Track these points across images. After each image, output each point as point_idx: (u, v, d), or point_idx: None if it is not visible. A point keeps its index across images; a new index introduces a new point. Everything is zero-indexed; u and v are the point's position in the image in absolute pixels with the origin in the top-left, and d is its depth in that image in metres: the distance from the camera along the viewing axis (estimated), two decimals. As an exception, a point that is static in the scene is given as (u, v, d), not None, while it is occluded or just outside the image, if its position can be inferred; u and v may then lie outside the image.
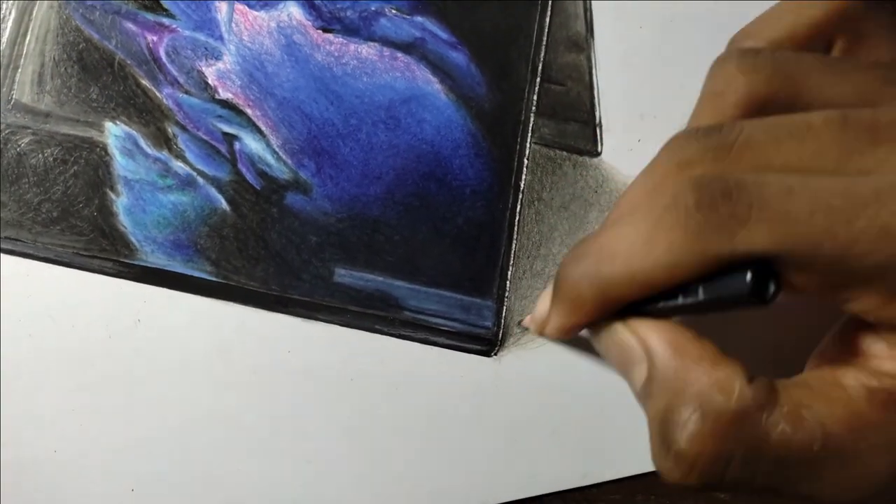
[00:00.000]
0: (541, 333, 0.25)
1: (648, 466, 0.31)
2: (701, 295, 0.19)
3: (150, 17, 0.31)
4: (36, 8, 0.31)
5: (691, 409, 0.19)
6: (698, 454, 0.19)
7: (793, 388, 0.20)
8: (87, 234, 0.30)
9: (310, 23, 0.32)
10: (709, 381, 0.19)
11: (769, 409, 0.19)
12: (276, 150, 0.31)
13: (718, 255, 0.19)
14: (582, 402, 0.31)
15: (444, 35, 0.32)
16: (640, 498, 0.31)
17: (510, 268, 0.31)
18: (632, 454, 0.31)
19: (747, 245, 0.18)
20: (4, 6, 0.31)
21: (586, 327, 0.23)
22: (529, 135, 0.32)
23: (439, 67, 0.32)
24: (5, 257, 0.30)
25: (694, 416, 0.19)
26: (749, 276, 0.18)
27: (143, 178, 0.31)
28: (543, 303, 0.25)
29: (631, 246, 0.20)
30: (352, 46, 0.32)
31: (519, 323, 0.31)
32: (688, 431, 0.19)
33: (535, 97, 0.32)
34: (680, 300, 0.20)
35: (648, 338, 0.21)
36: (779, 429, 0.19)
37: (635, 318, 0.21)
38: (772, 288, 0.18)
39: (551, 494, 0.31)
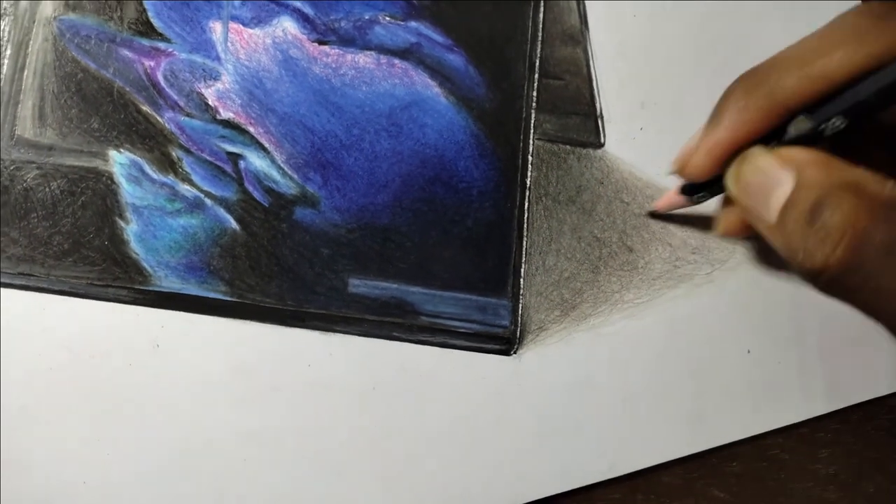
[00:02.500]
0: (681, 171, 0.26)
1: (674, 453, 0.31)
2: (871, 86, 0.21)
3: (146, 42, 0.31)
4: (31, 42, 0.31)
5: (846, 192, 0.20)
6: (850, 227, 0.20)
7: None
8: (99, 264, 0.30)
9: (305, 36, 0.32)
10: (864, 174, 0.20)
11: None
12: (282, 165, 0.31)
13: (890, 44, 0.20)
14: (603, 395, 0.31)
15: (439, 38, 0.32)
16: (640, 497, 0.31)
17: (523, 265, 0.31)
18: (657, 443, 0.31)
19: None
20: (2, 43, 0.31)
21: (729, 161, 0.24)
22: (532, 131, 0.32)
23: (437, 71, 0.32)
24: (20, 293, 0.30)
25: (849, 197, 0.20)
26: None
27: (151, 204, 0.31)
28: (688, 143, 0.26)
29: (805, 46, 0.22)
30: (349, 57, 0.32)
31: (647, 211, 0.32)
32: (842, 208, 0.20)
33: (534, 93, 0.32)
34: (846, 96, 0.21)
35: (797, 156, 0.22)
36: None
37: (779, 147, 0.23)
38: None
39: (557, 495, 0.31)
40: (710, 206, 0.30)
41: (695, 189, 0.28)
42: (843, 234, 0.20)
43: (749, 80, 0.23)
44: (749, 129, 0.23)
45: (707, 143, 0.24)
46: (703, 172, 0.25)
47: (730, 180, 0.24)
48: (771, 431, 0.32)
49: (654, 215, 0.32)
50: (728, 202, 0.28)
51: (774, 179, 0.22)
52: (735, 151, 0.24)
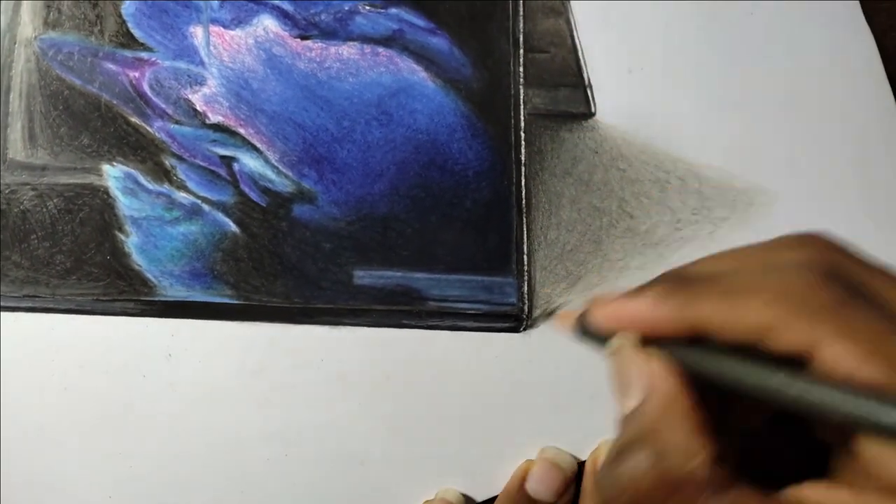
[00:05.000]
0: (564, 320, 0.25)
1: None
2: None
3: (128, 53, 0.31)
4: (15, 64, 0.31)
5: (650, 453, 0.20)
6: (633, 491, 0.20)
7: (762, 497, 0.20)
8: (103, 279, 0.30)
9: (287, 33, 0.32)
10: (678, 439, 0.20)
11: (713, 496, 0.20)
12: (276, 164, 0.31)
13: None
14: (618, 362, 0.31)
15: (421, 22, 0.32)
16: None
17: (525, 242, 0.31)
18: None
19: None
20: (-17, 68, 0.31)
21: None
22: (522, 107, 0.32)
23: (422, 55, 0.32)
24: (28, 315, 0.30)
25: (647, 461, 0.20)
26: None
27: (149, 215, 0.31)
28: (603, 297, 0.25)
29: (747, 302, 0.21)
30: (332, 49, 0.32)
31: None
32: (637, 469, 0.20)
33: (521, 69, 0.32)
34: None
35: (656, 376, 0.21)
36: None
37: (651, 349, 0.22)
38: None
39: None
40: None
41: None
42: (623, 493, 0.20)
43: (677, 288, 0.22)
44: (657, 326, 0.22)
45: (614, 307, 0.23)
46: (600, 330, 0.24)
47: (608, 352, 0.24)
48: None
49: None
50: None
51: (629, 386, 0.22)
52: (630, 325, 0.23)
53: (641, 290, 0.23)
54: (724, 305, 0.21)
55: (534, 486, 0.30)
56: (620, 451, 0.21)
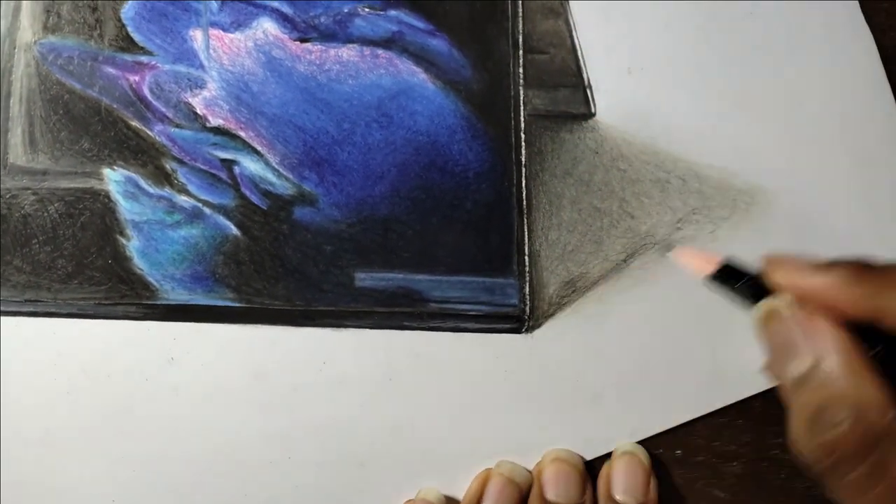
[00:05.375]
0: (770, 272, 0.25)
1: (693, 413, 0.31)
2: None
3: (128, 57, 0.31)
4: (14, 69, 0.31)
5: (848, 412, 0.21)
6: (841, 449, 0.21)
7: None
8: (105, 283, 0.30)
9: (286, 35, 0.32)
10: (871, 395, 0.21)
11: None
12: (276, 167, 0.31)
13: None
14: (618, 363, 0.31)
15: (420, 24, 0.32)
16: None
17: (526, 243, 0.31)
18: (676, 404, 0.31)
19: None
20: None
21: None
22: (522, 108, 0.32)
23: (421, 57, 0.32)
24: (30, 320, 0.30)
25: (849, 420, 0.21)
26: None
27: (150, 219, 0.31)
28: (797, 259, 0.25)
29: None
30: (332, 52, 0.32)
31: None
32: (840, 429, 0.21)
33: (521, 70, 0.32)
34: None
35: (824, 338, 0.22)
36: None
37: (817, 314, 0.23)
38: None
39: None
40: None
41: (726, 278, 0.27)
42: (834, 453, 0.21)
43: (870, 274, 0.23)
44: (841, 305, 0.23)
45: (803, 280, 0.24)
46: (780, 286, 0.24)
47: (760, 315, 0.24)
48: (772, 431, 0.32)
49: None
50: None
51: (796, 350, 0.22)
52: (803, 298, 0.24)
53: (829, 266, 0.23)
54: None
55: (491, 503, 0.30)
56: (816, 415, 0.21)
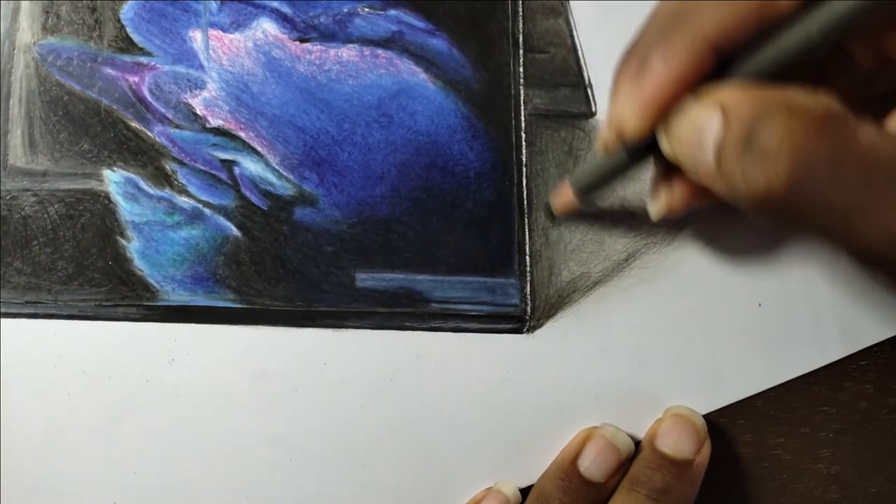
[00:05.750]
0: (617, 138, 0.24)
1: (699, 411, 0.31)
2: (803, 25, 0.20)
3: (128, 58, 0.31)
4: (14, 70, 0.31)
5: (779, 114, 0.19)
6: (790, 145, 0.19)
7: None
8: (106, 285, 0.30)
9: (286, 36, 0.32)
10: (793, 92, 0.19)
11: (855, 120, 0.19)
12: (276, 167, 0.31)
13: None
14: (619, 363, 0.31)
15: (420, 24, 0.32)
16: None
17: (527, 242, 0.31)
18: (681, 402, 0.31)
19: None
20: (-18, 74, 0.31)
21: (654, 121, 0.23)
22: (522, 108, 0.32)
23: (422, 57, 0.32)
24: (30, 322, 0.30)
25: (783, 117, 0.19)
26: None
27: (150, 220, 0.31)
28: (610, 115, 0.24)
29: None
30: (332, 52, 0.32)
31: (546, 207, 0.31)
32: (777, 129, 0.19)
33: (521, 69, 0.32)
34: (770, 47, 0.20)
35: (722, 95, 0.20)
36: (867, 133, 0.18)
37: (704, 89, 0.21)
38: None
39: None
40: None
41: (590, 182, 0.28)
42: (782, 153, 0.19)
43: (667, 21, 0.22)
44: (678, 75, 0.22)
45: (638, 95, 0.23)
46: (641, 129, 0.23)
47: (663, 142, 0.23)
48: (772, 431, 0.32)
49: (552, 218, 0.31)
50: (656, 184, 0.27)
51: (704, 123, 0.21)
52: (669, 98, 0.22)
53: (632, 74, 0.23)
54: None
55: (586, 463, 0.29)
56: (749, 135, 0.19)
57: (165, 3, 0.31)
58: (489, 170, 0.31)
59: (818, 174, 0.18)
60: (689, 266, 0.32)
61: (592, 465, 0.29)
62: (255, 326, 0.31)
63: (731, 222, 0.32)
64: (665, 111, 0.22)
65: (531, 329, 0.31)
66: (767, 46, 0.21)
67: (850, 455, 0.32)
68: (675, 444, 0.29)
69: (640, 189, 0.32)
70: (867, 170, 0.18)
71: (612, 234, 0.32)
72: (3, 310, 0.30)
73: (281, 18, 0.32)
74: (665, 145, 0.23)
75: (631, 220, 0.32)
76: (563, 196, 0.30)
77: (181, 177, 0.31)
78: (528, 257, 0.31)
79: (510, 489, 0.30)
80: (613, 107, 0.24)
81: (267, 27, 0.32)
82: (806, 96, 0.19)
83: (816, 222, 0.19)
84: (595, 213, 0.32)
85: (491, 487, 0.30)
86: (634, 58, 0.23)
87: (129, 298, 0.30)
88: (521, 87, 0.32)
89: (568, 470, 0.29)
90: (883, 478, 0.32)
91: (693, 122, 0.21)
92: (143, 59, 0.31)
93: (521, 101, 0.32)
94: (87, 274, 0.30)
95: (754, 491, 0.32)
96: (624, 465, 0.30)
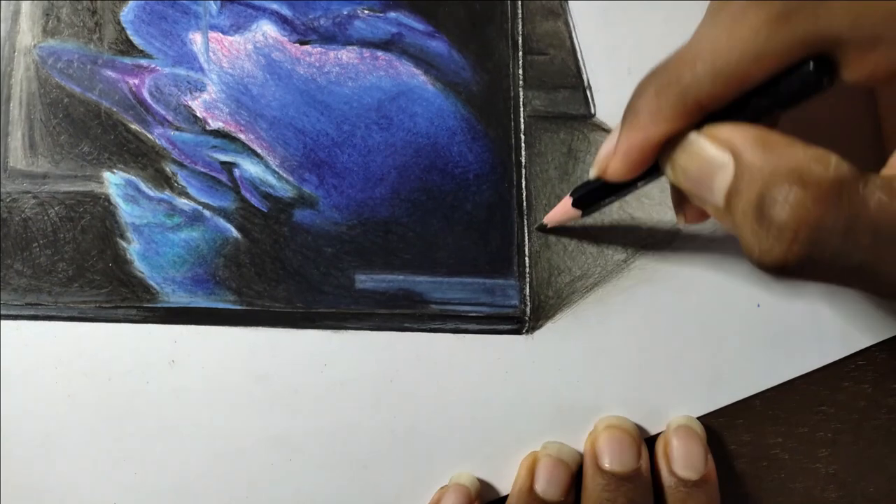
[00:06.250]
0: (603, 174, 0.25)
1: (694, 412, 0.31)
2: (781, 87, 0.21)
3: (128, 60, 0.31)
4: (14, 73, 0.31)
5: (790, 183, 0.19)
6: (802, 222, 0.19)
7: (882, 172, 0.20)
8: (106, 286, 0.30)
9: (286, 38, 0.32)
10: (804, 156, 0.20)
11: (864, 181, 0.19)
12: (276, 169, 0.31)
13: (803, 37, 0.20)
14: (618, 365, 0.31)
15: (419, 26, 0.32)
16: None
17: (526, 244, 0.31)
18: (677, 404, 0.31)
19: (828, 24, 0.19)
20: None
21: (653, 156, 0.24)
22: (522, 109, 0.32)
23: (421, 59, 0.32)
24: (30, 323, 0.30)
25: (794, 189, 0.19)
26: (811, 64, 0.20)
27: (150, 222, 0.31)
28: (607, 144, 0.25)
29: (714, 43, 0.21)
30: (331, 54, 0.32)
31: (537, 227, 0.31)
32: (790, 202, 0.19)
33: (520, 71, 0.32)
34: (754, 101, 0.21)
35: (732, 137, 0.21)
36: (876, 197, 0.19)
37: (712, 126, 0.22)
38: (826, 77, 0.21)
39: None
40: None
41: (590, 199, 0.28)
42: (797, 230, 0.19)
43: (659, 80, 0.23)
44: (665, 131, 0.23)
45: (623, 146, 0.24)
46: (624, 175, 0.24)
47: (668, 170, 0.24)
48: (770, 431, 0.32)
49: (544, 229, 0.32)
50: (674, 195, 0.27)
51: (713, 164, 0.21)
52: (655, 149, 0.23)
53: (628, 120, 0.23)
54: (708, 61, 0.21)
55: (542, 487, 0.29)
56: (759, 205, 0.20)
57: (165, 6, 0.32)
58: (489, 171, 0.32)
59: (830, 246, 0.19)
60: (688, 267, 0.32)
61: (549, 486, 0.29)
62: (256, 328, 0.31)
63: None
64: (648, 163, 0.24)
65: (530, 330, 0.31)
66: (762, 96, 0.22)
67: (849, 455, 0.32)
68: (614, 459, 0.29)
69: (640, 191, 0.32)
70: (876, 232, 0.19)
71: (612, 236, 0.32)
72: (3, 311, 0.30)
73: (281, 21, 0.32)
74: (670, 175, 0.24)
75: (630, 221, 0.32)
76: (563, 212, 0.30)
77: (181, 179, 0.31)
78: (527, 258, 0.31)
79: (467, 478, 0.30)
80: (602, 148, 0.25)
81: (267, 29, 0.32)
82: (817, 163, 0.20)
83: (829, 281, 0.20)
84: (593, 214, 0.32)
85: (446, 485, 0.30)
86: (629, 107, 0.24)
87: (130, 300, 0.30)
88: (521, 89, 0.32)
89: (528, 498, 0.29)
90: (881, 477, 0.32)
91: (702, 160, 0.22)
92: (143, 62, 0.31)
93: (521, 103, 0.32)
94: (88, 276, 0.30)
95: (753, 490, 0.32)
96: (574, 477, 0.30)
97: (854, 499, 0.32)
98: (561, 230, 0.32)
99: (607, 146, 0.25)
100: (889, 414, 0.32)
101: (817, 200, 0.19)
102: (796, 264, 0.20)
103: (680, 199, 0.27)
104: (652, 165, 0.24)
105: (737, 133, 0.21)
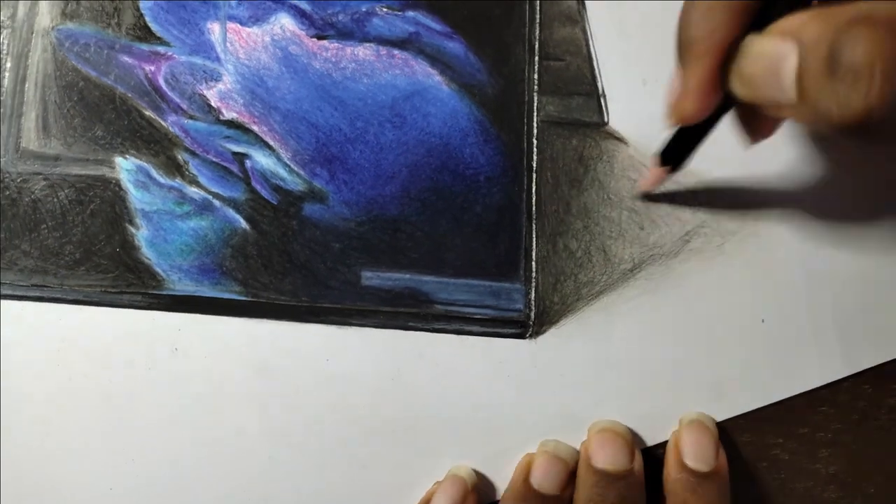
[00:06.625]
0: (680, 119, 0.25)
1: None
2: None
3: (145, 47, 0.31)
4: (31, 54, 0.31)
5: (858, 26, 0.18)
6: (877, 56, 0.18)
7: None
8: (112, 271, 0.30)
9: (303, 32, 0.32)
10: (866, 5, 0.19)
11: None
12: (288, 162, 0.31)
13: None
14: (621, 373, 0.31)
15: (437, 26, 0.32)
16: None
17: (534, 248, 0.31)
18: (677, 416, 0.31)
19: None
20: (2, 56, 0.31)
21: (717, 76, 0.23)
22: (535, 114, 0.32)
23: (437, 59, 0.32)
24: (35, 305, 0.30)
25: (863, 29, 0.18)
26: None
27: (160, 209, 0.31)
28: (673, 91, 0.24)
29: None
30: (348, 50, 0.32)
31: (639, 197, 0.32)
32: (861, 42, 0.18)
33: (535, 76, 0.32)
34: None
35: (787, 25, 0.20)
36: None
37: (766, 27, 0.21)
38: None
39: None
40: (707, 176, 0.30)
41: (674, 152, 0.28)
42: (874, 67, 0.18)
43: (701, 4, 0.22)
44: (723, 45, 0.22)
45: (692, 82, 0.23)
46: (701, 111, 0.24)
47: (735, 85, 0.23)
48: (770, 431, 0.32)
49: (647, 197, 0.32)
50: (743, 113, 0.26)
51: (777, 57, 0.20)
52: (719, 72, 0.23)
53: (685, 51, 0.23)
54: None
55: (538, 480, 0.29)
56: (829, 58, 0.19)
57: (185, -6, 0.32)
58: (500, 174, 0.32)
59: None
60: (694, 279, 0.32)
61: (545, 479, 0.29)
62: (260, 320, 0.31)
63: (736, 236, 0.32)
64: (718, 92, 0.23)
65: (534, 335, 0.31)
66: None
67: (849, 455, 0.32)
68: (607, 458, 0.29)
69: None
70: None
71: (619, 245, 0.32)
72: (9, 292, 0.30)
73: (299, 14, 0.32)
74: (738, 89, 0.23)
75: (638, 230, 0.32)
76: (654, 173, 0.30)
77: (192, 167, 0.31)
78: (534, 263, 0.31)
79: (465, 471, 0.30)
80: (670, 97, 0.25)
81: (285, 22, 0.32)
82: (878, 4, 0.19)
83: None
84: (602, 222, 0.32)
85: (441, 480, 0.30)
86: (681, 43, 0.23)
87: (135, 286, 0.30)
88: (535, 94, 0.32)
89: (523, 490, 0.29)
90: (881, 477, 0.32)
91: (765, 56, 0.21)
92: (160, 49, 0.31)
93: (535, 108, 0.32)
94: (95, 260, 0.30)
95: (753, 491, 0.32)
96: (572, 474, 0.30)
97: (854, 499, 0.32)
98: (662, 197, 0.32)
99: (674, 92, 0.24)
100: (889, 414, 0.32)
101: (890, 32, 0.18)
102: (882, 106, 0.18)
103: (747, 117, 0.26)
104: (723, 101, 0.24)
105: (790, 20, 0.20)
